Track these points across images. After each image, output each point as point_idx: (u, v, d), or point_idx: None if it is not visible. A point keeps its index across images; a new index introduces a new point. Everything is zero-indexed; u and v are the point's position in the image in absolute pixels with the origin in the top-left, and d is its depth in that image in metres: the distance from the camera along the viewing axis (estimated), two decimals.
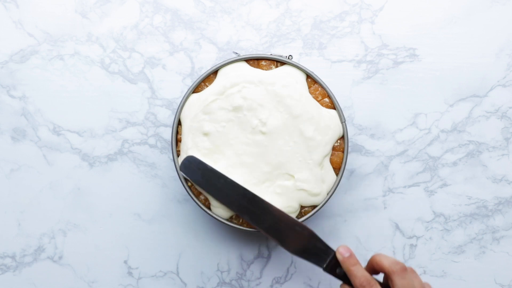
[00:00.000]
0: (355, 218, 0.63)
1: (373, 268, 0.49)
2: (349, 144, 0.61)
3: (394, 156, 0.63)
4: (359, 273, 0.48)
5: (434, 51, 0.63)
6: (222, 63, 0.56)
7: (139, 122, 0.63)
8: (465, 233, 0.63)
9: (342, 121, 0.56)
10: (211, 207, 0.56)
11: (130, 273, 0.63)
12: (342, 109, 0.57)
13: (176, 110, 0.56)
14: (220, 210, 0.56)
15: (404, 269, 0.47)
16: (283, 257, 0.63)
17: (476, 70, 0.63)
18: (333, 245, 0.63)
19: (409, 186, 0.63)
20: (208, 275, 0.63)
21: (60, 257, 0.63)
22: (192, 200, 0.57)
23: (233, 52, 0.61)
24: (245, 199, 0.53)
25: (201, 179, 0.54)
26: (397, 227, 0.63)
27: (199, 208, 0.57)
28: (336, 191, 0.56)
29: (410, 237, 0.63)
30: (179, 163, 0.55)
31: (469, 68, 0.63)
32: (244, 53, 0.56)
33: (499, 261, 0.62)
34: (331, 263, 0.51)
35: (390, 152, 0.63)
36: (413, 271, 0.48)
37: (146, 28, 0.63)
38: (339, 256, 0.50)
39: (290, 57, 0.57)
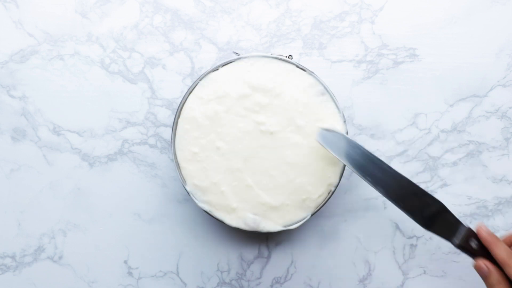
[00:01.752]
0: (355, 218, 0.63)
1: (510, 244, 0.51)
2: None
3: (394, 156, 0.63)
4: (504, 247, 0.49)
5: (434, 51, 0.63)
6: (222, 63, 0.56)
7: (139, 122, 0.63)
8: None
9: (343, 121, 0.56)
10: (220, 214, 0.56)
11: (130, 273, 0.63)
12: (342, 109, 0.57)
13: (176, 110, 0.56)
14: (229, 219, 0.56)
15: None
16: (283, 257, 0.63)
17: (476, 70, 0.63)
18: (333, 245, 0.63)
19: None
20: (208, 275, 0.63)
21: (60, 257, 0.63)
22: (192, 200, 0.57)
23: (233, 52, 0.61)
24: (380, 171, 0.53)
25: (339, 149, 0.54)
26: (397, 227, 0.63)
27: (199, 208, 0.57)
28: (336, 191, 0.56)
29: (410, 237, 0.63)
30: None
31: (469, 68, 0.63)
32: (244, 53, 0.56)
33: None
34: (463, 238, 0.51)
35: (390, 152, 0.63)
36: None
37: (146, 28, 0.63)
38: (482, 232, 0.50)
39: (290, 57, 0.57)
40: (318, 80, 0.56)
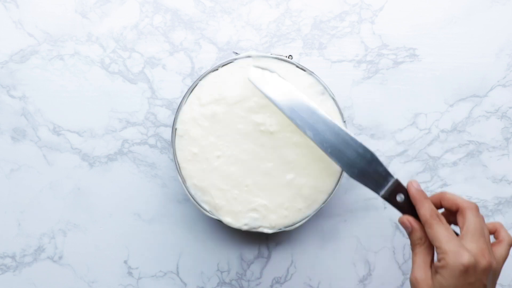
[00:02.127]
0: (355, 218, 0.63)
1: (437, 204, 0.50)
2: None
3: (394, 156, 0.63)
4: (430, 206, 0.48)
5: (434, 51, 0.63)
6: (222, 63, 0.56)
7: (139, 122, 0.63)
8: None
9: (342, 121, 0.56)
10: (220, 214, 0.56)
11: (130, 273, 0.63)
12: (342, 109, 0.57)
13: (176, 110, 0.56)
14: (229, 219, 0.56)
15: (478, 208, 0.48)
16: (283, 257, 0.63)
17: (476, 70, 0.63)
18: (333, 245, 0.63)
19: None
20: (208, 275, 0.63)
21: (60, 257, 0.63)
22: (192, 200, 0.57)
23: (233, 52, 0.61)
24: (308, 113, 0.52)
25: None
26: (397, 227, 0.63)
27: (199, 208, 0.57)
28: (336, 191, 0.56)
29: None
30: None
31: (469, 68, 0.63)
32: (244, 53, 0.56)
33: None
34: (389, 190, 0.51)
35: (390, 152, 0.63)
36: (483, 218, 0.49)
37: (146, 28, 0.63)
38: (411, 188, 0.50)
39: (290, 57, 0.57)
40: (318, 80, 0.56)
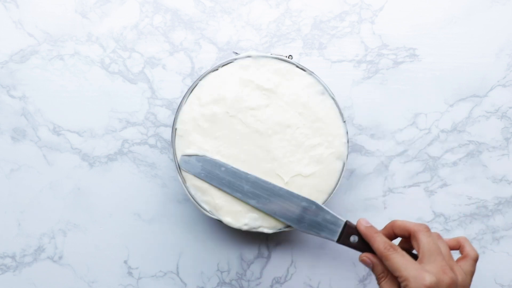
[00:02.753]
0: (355, 218, 0.63)
1: (391, 233, 0.51)
2: (349, 144, 0.61)
3: (394, 156, 0.63)
4: (382, 239, 0.49)
5: (434, 51, 0.63)
6: (222, 63, 0.56)
7: (139, 122, 0.63)
8: (465, 233, 0.63)
9: (342, 121, 0.56)
10: (220, 214, 0.56)
11: (130, 273, 0.63)
12: (342, 109, 0.57)
13: (176, 110, 0.56)
14: (229, 219, 0.56)
15: (429, 228, 0.49)
16: (283, 257, 0.63)
17: (476, 70, 0.63)
18: (333, 245, 0.63)
19: (409, 186, 0.63)
20: (208, 275, 0.63)
21: (60, 257, 0.63)
22: (192, 200, 0.57)
23: (233, 52, 0.61)
24: (249, 183, 0.54)
25: (202, 171, 0.55)
26: None
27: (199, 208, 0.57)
28: (336, 191, 0.56)
29: None
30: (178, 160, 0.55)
31: (469, 68, 0.63)
32: (244, 53, 0.56)
33: (499, 261, 0.62)
34: (342, 234, 0.52)
35: (390, 152, 0.63)
36: (439, 235, 0.50)
37: (146, 28, 0.63)
38: (360, 226, 0.51)
39: (290, 57, 0.57)
40: (318, 80, 0.56)
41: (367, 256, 0.51)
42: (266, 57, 0.56)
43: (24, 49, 0.63)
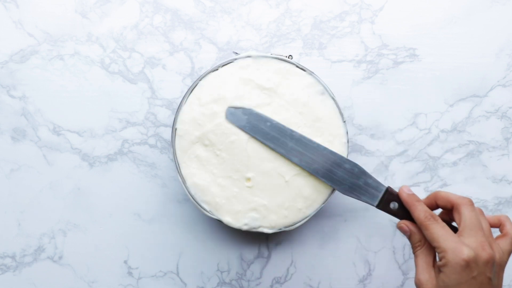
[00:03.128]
0: (355, 218, 0.63)
1: (433, 204, 0.51)
2: (349, 144, 0.61)
3: (394, 156, 0.63)
4: (423, 208, 0.49)
5: (434, 51, 0.63)
6: (222, 63, 0.56)
7: (139, 122, 0.63)
8: None
9: (342, 121, 0.56)
10: (220, 214, 0.56)
11: (130, 273, 0.63)
12: (342, 109, 0.57)
13: (176, 110, 0.56)
14: (229, 219, 0.56)
15: (472, 202, 0.48)
16: (283, 257, 0.63)
17: (476, 70, 0.63)
18: (333, 245, 0.63)
19: (409, 186, 0.63)
20: (208, 275, 0.63)
21: (60, 257, 0.63)
22: (192, 200, 0.57)
23: (233, 52, 0.61)
24: (293, 141, 0.54)
25: (247, 124, 0.54)
26: None
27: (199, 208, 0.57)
28: (336, 191, 0.56)
29: None
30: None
31: (469, 68, 0.63)
32: (244, 53, 0.56)
33: None
34: (383, 199, 0.52)
35: (390, 152, 0.63)
36: (481, 211, 0.49)
37: (146, 28, 0.63)
38: (402, 193, 0.51)
39: (290, 57, 0.57)
40: (318, 80, 0.56)
41: (405, 223, 0.50)
42: (266, 57, 0.56)
43: (24, 49, 0.63)
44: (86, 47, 0.63)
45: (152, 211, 0.63)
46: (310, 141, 0.54)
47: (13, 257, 0.63)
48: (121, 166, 0.63)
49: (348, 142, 0.56)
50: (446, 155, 0.63)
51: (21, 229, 0.63)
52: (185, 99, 0.56)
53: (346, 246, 0.63)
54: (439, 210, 0.53)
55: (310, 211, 0.56)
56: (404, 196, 0.51)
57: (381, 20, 0.63)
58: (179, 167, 0.56)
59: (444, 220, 0.50)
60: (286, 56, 0.56)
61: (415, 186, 0.63)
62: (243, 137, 0.55)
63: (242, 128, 0.54)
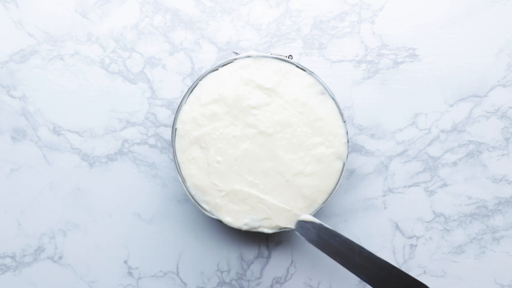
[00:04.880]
0: (355, 218, 0.63)
1: None
2: (349, 144, 0.61)
3: (394, 156, 0.63)
4: None
5: (434, 51, 0.63)
6: (222, 63, 0.56)
7: (139, 122, 0.63)
8: (465, 233, 0.63)
9: (343, 121, 0.56)
10: (220, 214, 0.56)
11: (130, 273, 0.63)
12: (342, 109, 0.57)
13: (176, 110, 0.56)
14: (229, 219, 0.56)
15: None
16: (283, 257, 0.63)
17: (476, 70, 0.63)
18: None
19: (409, 186, 0.63)
20: (208, 275, 0.63)
21: (60, 257, 0.63)
22: (192, 200, 0.57)
23: (233, 52, 0.61)
24: (362, 258, 0.53)
25: (317, 239, 0.54)
26: (397, 227, 0.63)
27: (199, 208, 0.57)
28: (336, 191, 0.56)
29: (410, 237, 0.63)
30: None
31: (469, 68, 0.63)
32: (244, 53, 0.56)
33: (499, 261, 0.62)
34: None
35: (390, 152, 0.63)
36: None
37: (146, 28, 0.63)
38: None
39: (290, 57, 0.57)
40: (318, 80, 0.56)
41: None
42: (266, 57, 0.56)
43: (24, 49, 0.63)
44: (86, 47, 0.63)
45: (152, 211, 0.63)
46: (378, 258, 0.52)
47: (13, 257, 0.63)
48: (121, 166, 0.63)
49: (348, 142, 0.56)
50: (446, 155, 0.63)
51: (21, 229, 0.63)
52: (185, 99, 0.56)
53: None
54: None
55: (310, 211, 0.56)
56: None
57: (381, 20, 0.63)
58: (179, 167, 0.56)
59: None
60: (286, 56, 0.56)
61: (415, 186, 0.63)
62: (240, 140, 0.55)
63: (311, 241, 0.54)
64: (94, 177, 0.63)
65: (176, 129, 0.56)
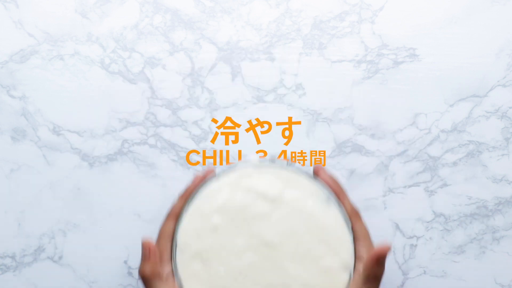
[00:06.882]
0: None
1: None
2: (349, 144, 0.61)
3: (394, 156, 0.63)
4: None
5: (434, 51, 0.63)
6: (223, 171, 0.54)
7: (139, 122, 0.63)
8: (465, 233, 0.63)
9: (349, 231, 0.54)
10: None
11: (130, 273, 0.63)
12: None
13: (177, 222, 0.54)
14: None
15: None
16: None
17: (476, 70, 0.63)
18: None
19: (409, 186, 0.63)
20: None
21: (60, 257, 0.63)
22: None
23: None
24: None
25: None
26: (397, 227, 0.63)
27: None
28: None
29: (410, 237, 0.63)
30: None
31: (469, 68, 0.63)
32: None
33: (499, 261, 0.62)
34: None
35: (390, 152, 0.63)
36: None
37: (146, 28, 0.63)
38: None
39: (289, 163, 0.55)
40: (322, 187, 0.54)
41: None
42: (268, 165, 0.54)
43: (24, 49, 0.63)
44: (86, 47, 0.63)
45: (152, 211, 0.63)
46: None
47: (13, 257, 0.63)
48: (121, 166, 0.63)
49: (355, 252, 0.53)
50: (446, 155, 0.63)
51: (21, 229, 0.63)
52: (185, 211, 0.54)
53: None
54: None
55: None
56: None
57: (381, 20, 0.63)
58: (181, 284, 0.53)
59: None
60: (286, 163, 0.55)
61: (415, 186, 0.63)
62: (243, 252, 0.53)
63: None
64: (94, 177, 0.63)
65: (176, 242, 0.53)
